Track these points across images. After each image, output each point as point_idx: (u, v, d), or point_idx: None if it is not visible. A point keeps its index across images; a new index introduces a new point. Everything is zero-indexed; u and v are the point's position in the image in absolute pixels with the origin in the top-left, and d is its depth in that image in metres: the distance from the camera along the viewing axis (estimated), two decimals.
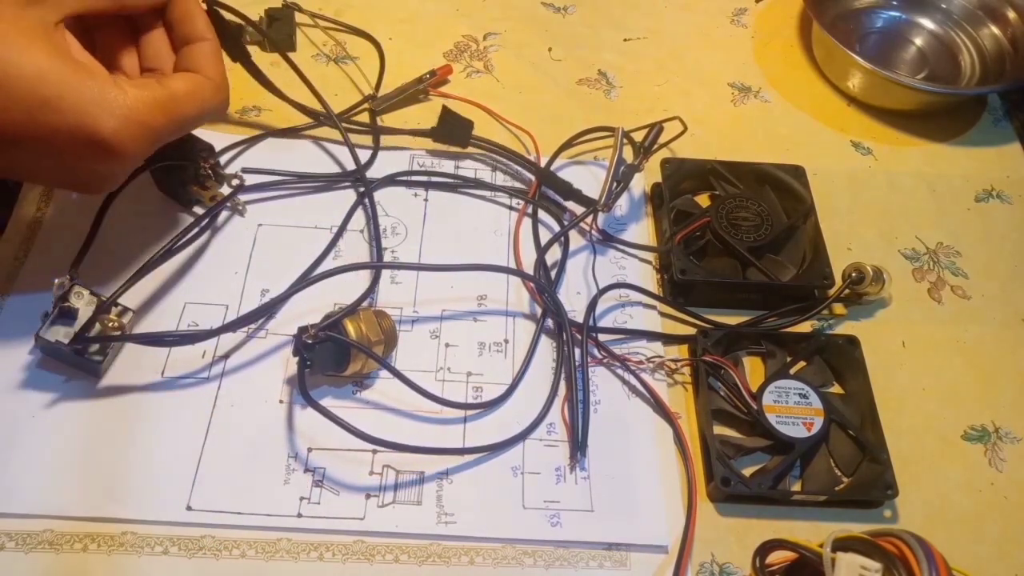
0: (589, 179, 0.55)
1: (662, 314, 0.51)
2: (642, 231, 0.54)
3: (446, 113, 0.55)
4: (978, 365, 0.51)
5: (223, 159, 0.53)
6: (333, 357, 0.43)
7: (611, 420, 0.46)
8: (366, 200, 0.52)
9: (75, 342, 0.41)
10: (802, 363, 0.48)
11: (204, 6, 0.44)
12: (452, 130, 0.55)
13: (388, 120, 0.57)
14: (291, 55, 0.53)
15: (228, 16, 0.48)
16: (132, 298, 0.45)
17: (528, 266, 0.51)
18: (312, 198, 0.53)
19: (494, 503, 0.42)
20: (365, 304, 0.48)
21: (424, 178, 0.55)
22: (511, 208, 0.54)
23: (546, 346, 0.48)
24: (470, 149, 0.56)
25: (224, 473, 0.42)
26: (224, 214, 0.51)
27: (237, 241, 0.50)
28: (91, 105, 0.36)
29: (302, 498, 0.41)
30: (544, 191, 0.54)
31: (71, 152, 0.37)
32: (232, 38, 0.49)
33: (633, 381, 0.47)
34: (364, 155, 0.54)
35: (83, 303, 0.42)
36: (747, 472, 0.44)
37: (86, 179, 0.40)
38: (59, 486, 0.41)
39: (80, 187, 0.42)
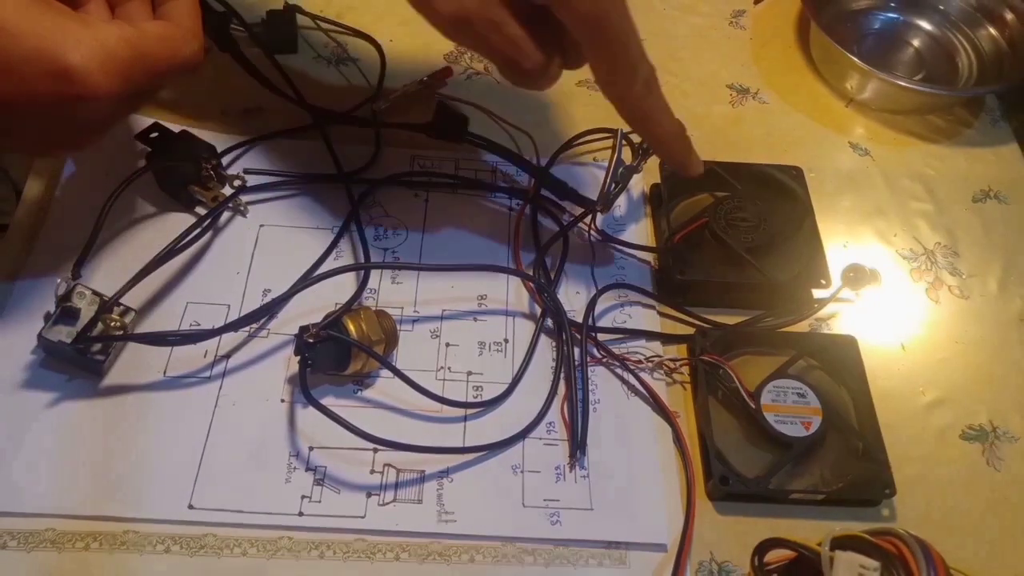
0: (588, 180, 0.55)
1: (661, 314, 0.51)
2: (641, 231, 0.55)
3: (441, 108, 0.54)
4: (976, 365, 0.51)
5: (225, 160, 0.53)
6: (334, 356, 0.43)
7: (610, 419, 0.46)
8: (351, 225, 0.52)
9: (77, 342, 0.42)
10: (800, 363, 0.48)
11: None
12: (447, 125, 0.54)
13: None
14: (293, 56, 0.53)
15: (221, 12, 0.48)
16: (134, 298, 0.45)
17: (528, 266, 0.51)
18: (314, 199, 0.53)
19: (494, 501, 0.43)
20: (370, 303, 0.48)
21: (424, 179, 0.55)
22: (511, 208, 0.54)
23: (546, 346, 0.48)
24: (467, 147, 0.56)
25: (226, 472, 0.42)
26: (226, 215, 0.51)
27: (239, 241, 0.51)
28: (54, 31, 0.35)
29: (303, 497, 0.42)
30: (544, 192, 0.55)
31: (38, 88, 0.36)
32: (219, 26, 0.49)
33: (632, 380, 0.47)
34: (365, 156, 0.55)
35: (85, 303, 0.42)
36: (746, 471, 0.44)
37: (62, 128, 0.39)
38: (61, 485, 0.41)
39: (59, 141, 0.41)
